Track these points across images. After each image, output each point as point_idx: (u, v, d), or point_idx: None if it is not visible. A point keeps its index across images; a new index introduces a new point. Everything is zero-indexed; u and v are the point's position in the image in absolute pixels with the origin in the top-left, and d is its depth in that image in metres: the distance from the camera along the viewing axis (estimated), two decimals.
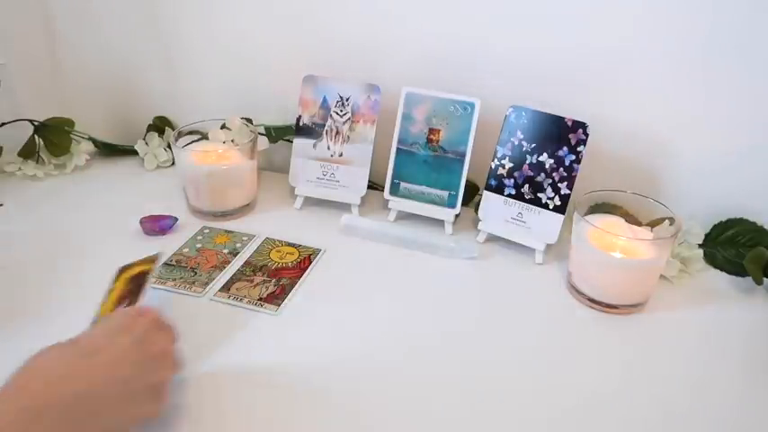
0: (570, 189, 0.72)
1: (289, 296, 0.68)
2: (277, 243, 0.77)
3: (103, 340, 0.46)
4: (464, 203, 0.80)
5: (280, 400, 0.55)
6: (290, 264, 0.73)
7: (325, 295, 0.68)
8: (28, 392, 0.40)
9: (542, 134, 0.73)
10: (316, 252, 0.76)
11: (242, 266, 0.73)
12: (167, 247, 0.75)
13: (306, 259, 0.74)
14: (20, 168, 0.91)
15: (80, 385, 0.42)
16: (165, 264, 0.72)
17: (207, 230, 0.80)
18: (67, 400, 0.41)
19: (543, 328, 0.65)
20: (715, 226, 0.75)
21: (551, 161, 0.73)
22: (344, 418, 0.53)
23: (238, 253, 0.75)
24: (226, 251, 0.75)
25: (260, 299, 0.67)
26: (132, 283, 0.60)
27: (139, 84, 0.98)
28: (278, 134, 0.91)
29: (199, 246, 0.76)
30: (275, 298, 0.67)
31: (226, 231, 0.79)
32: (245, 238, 0.78)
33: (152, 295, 0.60)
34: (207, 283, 0.69)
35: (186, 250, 0.75)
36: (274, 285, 0.69)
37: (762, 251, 0.71)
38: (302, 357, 0.60)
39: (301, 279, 0.71)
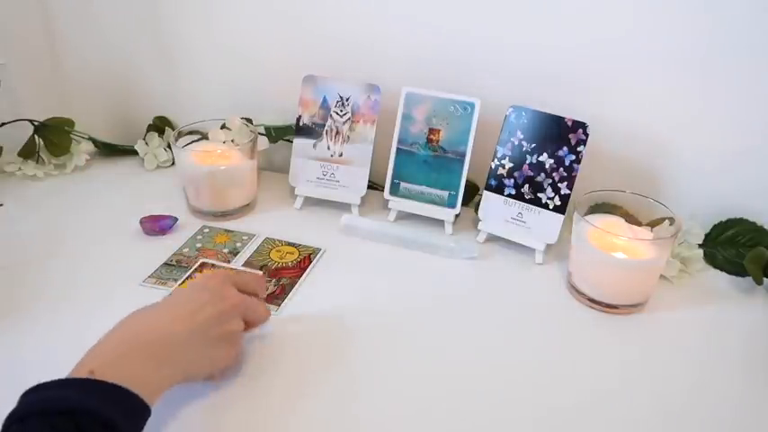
0: (570, 189, 0.72)
1: (289, 296, 0.68)
2: (277, 243, 0.77)
3: (185, 296, 0.54)
4: (464, 203, 0.80)
5: (280, 400, 0.55)
6: (290, 263, 0.73)
7: (325, 295, 0.68)
8: (125, 333, 0.49)
9: (542, 134, 0.73)
10: (316, 252, 0.76)
11: (242, 266, 0.73)
12: (167, 247, 0.75)
13: (306, 259, 0.74)
14: (20, 168, 0.91)
15: (164, 331, 0.50)
16: (165, 264, 0.72)
17: (207, 230, 0.80)
18: (154, 341, 0.49)
19: (543, 328, 0.65)
20: (715, 226, 0.75)
21: (551, 161, 0.73)
22: (345, 418, 0.53)
23: (238, 252, 0.75)
24: (226, 251, 0.75)
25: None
26: None
27: (139, 84, 0.98)
28: (278, 134, 0.91)
29: (199, 245, 0.76)
30: (275, 298, 0.67)
31: (226, 231, 0.79)
32: (245, 238, 0.78)
33: None
34: None
35: (186, 250, 0.75)
36: (274, 285, 0.69)
37: (762, 251, 0.71)
38: (302, 357, 0.60)
39: (301, 279, 0.71)
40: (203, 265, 0.72)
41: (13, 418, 0.41)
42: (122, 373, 0.45)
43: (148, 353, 0.48)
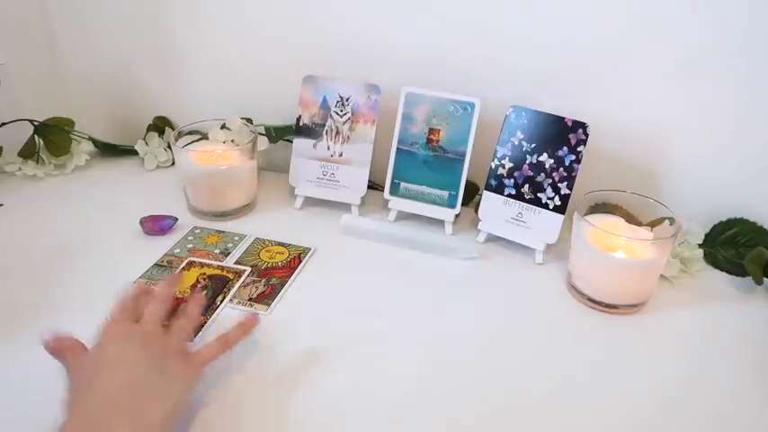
0: (570, 189, 0.72)
1: (279, 296, 0.67)
2: (267, 243, 0.77)
3: (106, 359, 0.49)
4: (464, 203, 0.80)
5: (273, 401, 0.55)
6: (279, 263, 0.73)
7: (321, 295, 0.68)
8: (86, 412, 0.45)
9: (542, 134, 0.73)
10: (306, 251, 0.75)
11: (233, 264, 0.72)
12: (167, 247, 0.75)
13: (296, 258, 0.74)
14: (20, 168, 0.91)
15: (117, 389, 0.46)
16: (156, 265, 0.72)
17: (198, 230, 0.79)
18: (119, 402, 0.45)
19: (543, 327, 0.65)
20: (715, 226, 0.75)
21: (551, 161, 0.73)
22: (341, 419, 0.53)
23: (230, 253, 0.75)
24: (217, 251, 0.75)
25: (250, 299, 0.67)
26: (213, 282, 0.69)
27: (139, 84, 0.98)
28: (278, 134, 0.91)
29: (190, 246, 0.76)
30: (265, 298, 0.67)
31: (217, 231, 0.79)
32: (236, 238, 0.78)
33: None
34: None
35: (177, 251, 0.75)
36: (264, 285, 0.69)
37: (762, 251, 0.71)
38: (293, 358, 0.59)
39: (291, 278, 0.70)
40: (191, 263, 0.72)
41: None
42: None
43: (119, 412, 0.45)
